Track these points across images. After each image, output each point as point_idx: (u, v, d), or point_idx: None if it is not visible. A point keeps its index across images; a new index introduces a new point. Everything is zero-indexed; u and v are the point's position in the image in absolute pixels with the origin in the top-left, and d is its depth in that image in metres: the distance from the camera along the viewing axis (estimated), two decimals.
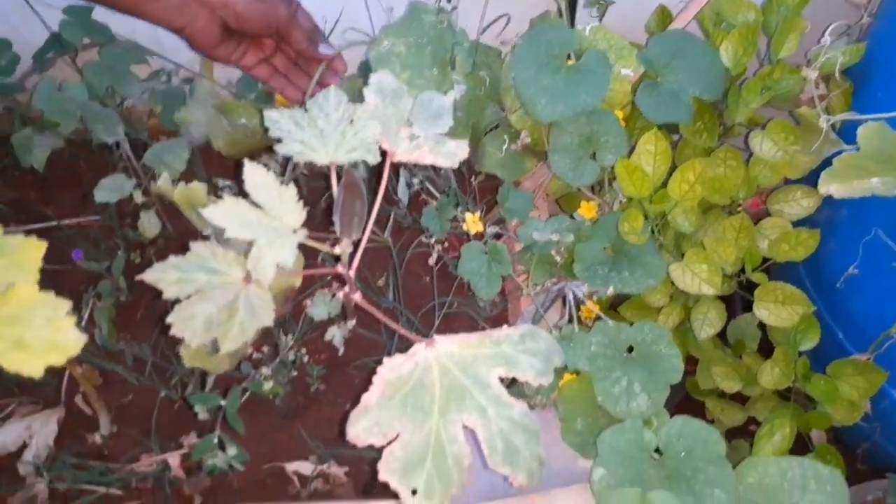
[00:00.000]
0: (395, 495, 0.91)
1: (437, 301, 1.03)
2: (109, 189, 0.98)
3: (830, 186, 0.74)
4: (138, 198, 1.04)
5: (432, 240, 0.96)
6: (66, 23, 0.98)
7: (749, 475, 0.79)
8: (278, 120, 0.65)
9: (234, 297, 0.59)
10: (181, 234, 1.08)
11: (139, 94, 1.02)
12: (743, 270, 0.93)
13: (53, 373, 1.00)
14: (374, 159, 0.65)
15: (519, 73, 0.84)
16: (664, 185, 0.85)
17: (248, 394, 0.94)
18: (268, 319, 0.59)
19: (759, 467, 0.79)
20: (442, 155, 0.70)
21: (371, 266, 1.08)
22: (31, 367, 0.44)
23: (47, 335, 0.45)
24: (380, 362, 0.61)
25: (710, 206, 0.92)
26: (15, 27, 1.01)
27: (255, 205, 0.60)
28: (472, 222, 0.94)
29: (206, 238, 0.77)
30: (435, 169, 0.99)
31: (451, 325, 1.04)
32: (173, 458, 0.92)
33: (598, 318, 0.87)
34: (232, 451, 0.80)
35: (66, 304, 0.48)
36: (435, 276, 1.05)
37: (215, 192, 1.01)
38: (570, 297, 0.78)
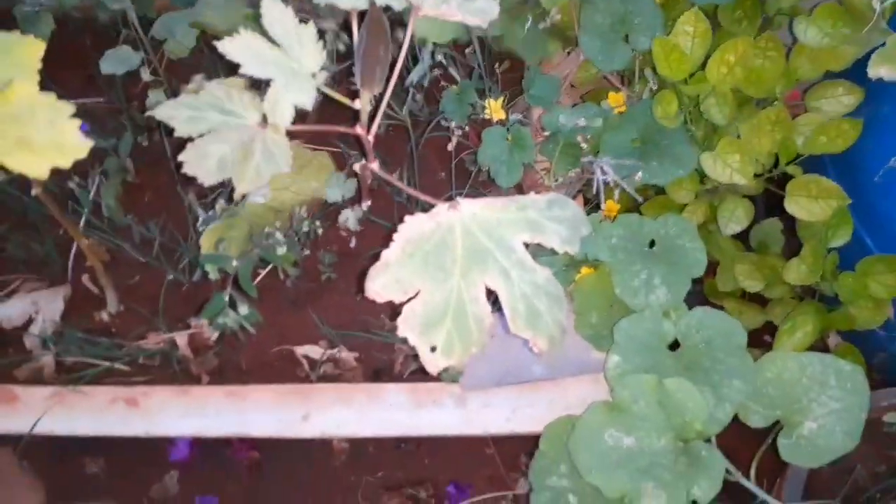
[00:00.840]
0: (404, 378, 0.91)
1: (454, 193, 1.00)
2: (115, 61, 0.94)
3: (881, 69, 0.70)
4: (146, 76, 1.00)
5: (452, 123, 0.92)
6: None
7: (768, 369, 0.78)
8: None
9: (250, 139, 0.56)
10: None
11: None
12: (772, 169, 0.89)
13: (60, 248, 0.99)
14: (398, 4, 0.61)
15: None
16: (702, 68, 0.80)
17: (260, 277, 0.93)
18: (285, 166, 0.56)
19: (779, 361, 0.77)
20: (471, 12, 0.66)
21: (385, 157, 1.04)
22: (36, 167, 0.41)
23: (52, 136, 0.42)
24: None
25: (744, 102, 0.88)
26: None
27: (274, 43, 0.56)
28: (495, 109, 0.90)
29: None
30: (458, 48, 0.94)
31: None
32: (181, 338, 0.91)
33: (623, 211, 0.84)
34: (243, 310, 0.78)
35: (69, 108, 0.45)
36: (452, 171, 1.02)
37: None
38: (599, 175, 0.75)
